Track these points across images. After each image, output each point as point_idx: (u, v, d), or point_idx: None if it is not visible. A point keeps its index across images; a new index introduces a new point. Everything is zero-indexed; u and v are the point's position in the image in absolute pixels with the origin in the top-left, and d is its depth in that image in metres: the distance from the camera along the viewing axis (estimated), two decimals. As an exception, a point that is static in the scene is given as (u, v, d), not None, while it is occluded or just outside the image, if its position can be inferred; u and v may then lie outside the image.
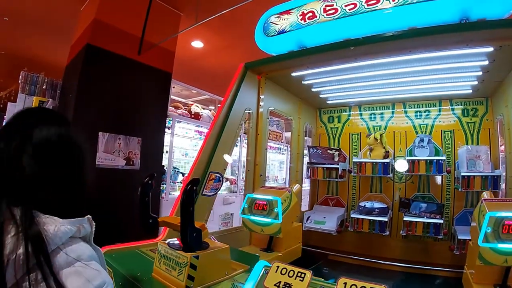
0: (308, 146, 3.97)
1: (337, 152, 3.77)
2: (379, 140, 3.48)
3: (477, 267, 1.76)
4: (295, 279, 1.26)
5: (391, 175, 3.45)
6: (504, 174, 2.95)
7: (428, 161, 3.17)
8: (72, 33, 5.26)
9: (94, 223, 1.05)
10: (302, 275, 1.27)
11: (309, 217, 3.77)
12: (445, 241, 3.22)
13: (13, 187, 0.94)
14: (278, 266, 1.32)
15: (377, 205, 3.44)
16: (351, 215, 3.48)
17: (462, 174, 3.00)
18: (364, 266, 3.42)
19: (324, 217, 3.69)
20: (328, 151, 3.81)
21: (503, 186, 2.98)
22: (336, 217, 3.64)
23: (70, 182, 1.07)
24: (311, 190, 4.29)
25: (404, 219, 3.18)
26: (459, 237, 2.97)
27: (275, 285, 1.27)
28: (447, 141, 3.48)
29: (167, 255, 1.66)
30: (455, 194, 3.34)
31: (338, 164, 3.67)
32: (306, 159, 4.09)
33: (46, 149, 1.02)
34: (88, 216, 1.02)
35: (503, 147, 3.03)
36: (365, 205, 3.46)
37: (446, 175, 3.26)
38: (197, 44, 6.85)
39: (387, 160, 3.39)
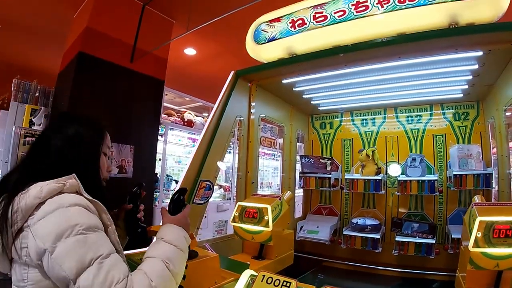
0: (300, 155, 3.97)
1: (329, 161, 3.77)
2: (371, 157, 3.48)
3: (469, 272, 1.75)
4: (281, 288, 1.26)
5: (383, 192, 3.45)
6: (496, 176, 2.97)
7: (420, 181, 3.18)
8: (65, 41, 5.26)
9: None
10: (288, 284, 1.26)
11: (302, 226, 3.77)
12: (439, 245, 3.23)
13: (44, 168, 1.15)
14: (264, 276, 1.31)
15: (369, 222, 3.44)
16: (344, 232, 3.47)
17: (454, 173, 3.02)
18: (358, 271, 3.42)
19: (317, 227, 3.69)
20: (321, 160, 3.82)
21: (495, 188, 2.99)
22: (329, 226, 3.64)
23: (88, 166, 1.26)
24: (304, 199, 4.28)
25: (396, 239, 3.18)
26: (453, 236, 3.00)
27: (261, 294, 1.26)
28: (438, 145, 3.50)
29: (156, 265, 1.65)
30: (448, 194, 3.37)
31: (330, 174, 3.68)
32: (298, 166, 4.09)
33: (72, 142, 1.23)
34: (75, 176, 1.12)
35: (495, 149, 3.05)
36: (357, 222, 3.46)
37: (438, 195, 3.25)
38: (190, 51, 6.86)
39: (379, 177, 3.39)
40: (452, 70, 2.72)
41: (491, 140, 3.19)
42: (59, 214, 1.00)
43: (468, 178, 2.98)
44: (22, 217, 1.01)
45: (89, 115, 1.41)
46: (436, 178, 3.17)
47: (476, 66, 2.59)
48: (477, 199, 2.19)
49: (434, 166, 3.47)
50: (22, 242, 1.01)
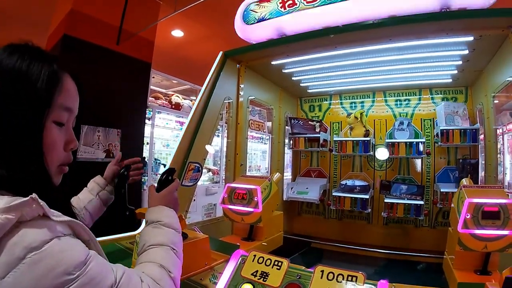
0: (289, 117, 3.97)
1: (318, 123, 3.80)
2: (359, 119, 3.50)
3: (457, 253, 1.78)
4: (272, 267, 1.25)
5: (371, 153, 3.48)
6: (483, 162, 3.01)
7: (408, 143, 3.23)
8: (49, 24, 5.11)
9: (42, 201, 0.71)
10: (279, 264, 1.26)
11: (292, 188, 3.80)
12: (425, 227, 3.28)
13: None
14: (255, 255, 1.31)
15: (358, 183, 3.49)
16: (333, 193, 3.53)
17: (441, 128, 3.06)
18: (347, 253, 3.45)
19: (307, 188, 3.74)
20: (310, 122, 3.84)
21: (482, 173, 3.04)
22: (318, 186, 3.69)
23: (19, 142, 0.77)
24: (293, 162, 4.33)
25: (385, 201, 3.23)
26: (441, 190, 3.08)
27: (252, 274, 1.25)
28: (427, 129, 3.52)
29: (145, 247, 1.63)
30: (435, 152, 3.43)
31: (319, 134, 3.70)
32: (287, 149, 4.11)
33: None
34: (33, 196, 0.69)
35: (482, 136, 3.09)
36: (346, 183, 3.50)
37: (425, 157, 3.31)
38: (177, 33, 6.74)
39: (367, 139, 3.43)
40: (442, 54, 2.71)
41: (479, 126, 3.22)
42: (36, 266, 0.65)
43: (455, 133, 3.03)
44: None
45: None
46: (423, 140, 3.23)
47: (466, 52, 2.58)
48: (465, 181, 2.21)
49: (422, 133, 3.53)
50: None
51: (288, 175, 4.48)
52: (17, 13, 5.75)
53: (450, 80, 3.24)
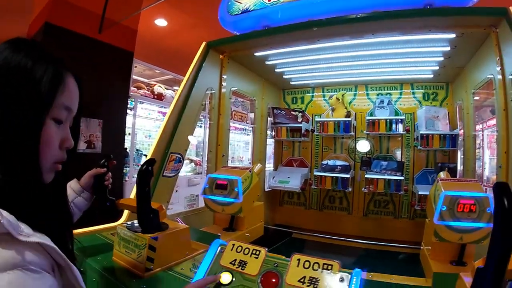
0: (272, 107, 4.00)
1: (300, 113, 3.83)
2: (340, 100, 3.55)
3: (434, 244, 1.82)
4: (250, 256, 1.27)
5: (352, 133, 3.55)
6: (462, 156, 3.09)
7: (388, 120, 3.30)
8: (30, 12, 4.96)
9: (9, 216, 0.62)
10: (257, 252, 1.28)
11: (273, 177, 3.83)
12: (404, 218, 3.35)
13: None
14: (233, 244, 1.32)
15: (339, 162, 3.55)
16: (315, 173, 3.60)
17: (421, 132, 3.13)
18: (327, 243, 3.51)
19: (288, 177, 3.78)
20: (292, 112, 3.87)
21: (460, 168, 3.11)
22: (300, 175, 3.74)
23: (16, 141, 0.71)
24: (275, 152, 4.37)
25: (366, 176, 3.31)
26: (419, 193, 3.14)
27: (230, 263, 1.27)
28: (407, 123, 3.58)
29: (126, 237, 1.64)
30: (415, 155, 3.50)
31: (301, 124, 3.73)
32: (270, 141, 4.13)
33: None
34: None
35: (462, 131, 3.16)
36: (327, 163, 3.57)
37: (405, 134, 3.39)
38: (161, 22, 6.65)
39: (348, 119, 3.49)
40: (424, 50, 2.77)
41: (458, 122, 3.30)
42: None
43: (434, 138, 3.10)
44: None
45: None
46: (403, 117, 3.31)
47: (448, 48, 2.65)
48: (442, 175, 2.26)
49: (402, 146, 3.58)
50: None
51: (270, 166, 4.51)
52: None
53: (432, 76, 3.31)
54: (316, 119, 3.69)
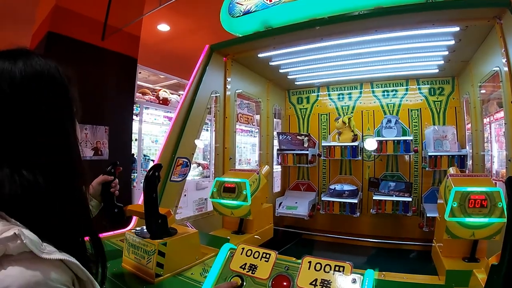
0: (277, 132, 3.97)
1: (306, 138, 3.79)
2: (347, 124, 3.51)
3: (445, 241, 1.80)
4: (260, 260, 1.26)
5: (359, 158, 3.50)
6: (470, 151, 3.05)
7: (396, 141, 3.23)
8: (33, 21, 5.00)
9: (31, 235, 0.64)
10: (268, 256, 1.26)
11: (281, 202, 3.81)
12: (415, 216, 3.31)
13: None
14: (243, 248, 1.31)
15: (347, 187, 3.51)
16: (322, 198, 3.54)
17: (429, 153, 3.08)
18: (337, 243, 3.49)
19: (296, 202, 3.74)
20: (298, 137, 3.83)
21: (469, 162, 3.07)
22: (307, 202, 3.69)
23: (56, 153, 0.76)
24: (282, 175, 4.32)
25: (374, 198, 3.26)
26: (428, 215, 3.08)
27: (240, 267, 1.26)
28: (414, 119, 3.56)
29: (135, 244, 1.63)
30: (423, 173, 3.45)
31: (307, 150, 3.69)
32: (276, 142, 4.10)
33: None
34: (16, 231, 0.62)
35: (469, 125, 3.12)
36: (335, 187, 3.52)
37: (413, 154, 3.33)
38: (163, 27, 6.67)
39: (355, 144, 3.44)
40: (428, 45, 2.73)
41: (465, 116, 3.25)
42: None
43: (443, 159, 3.05)
44: None
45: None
46: (411, 138, 3.24)
47: (453, 42, 2.61)
48: (452, 170, 2.24)
49: (410, 130, 3.54)
50: None
51: (278, 167, 4.49)
52: (2, 10, 5.63)
53: (437, 71, 3.27)
54: (323, 144, 3.64)
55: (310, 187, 4.06)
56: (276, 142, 4.08)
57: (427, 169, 3.13)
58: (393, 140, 3.24)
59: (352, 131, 3.53)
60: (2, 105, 0.71)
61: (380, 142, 3.29)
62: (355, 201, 3.35)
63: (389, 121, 3.36)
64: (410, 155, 3.44)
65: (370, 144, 3.42)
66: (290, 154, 3.77)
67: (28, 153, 0.72)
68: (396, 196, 3.20)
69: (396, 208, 3.19)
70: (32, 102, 0.74)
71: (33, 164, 0.71)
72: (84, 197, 0.84)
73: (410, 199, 3.15)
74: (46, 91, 0.78)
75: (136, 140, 5.46)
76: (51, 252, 0.65)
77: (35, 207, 0.69)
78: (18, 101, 0.72)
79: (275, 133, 4.11)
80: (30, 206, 0.68)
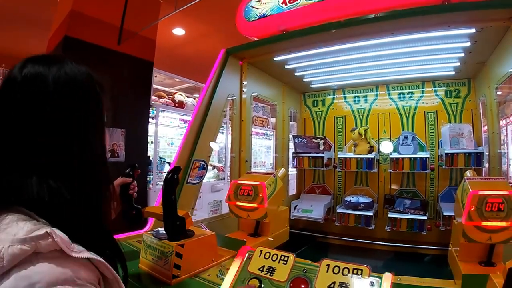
0: (293, 135, 3.96)
1: (322, 141, 3.77)
2: (363, 136, 3.48)
3: (462, 245, 1.78)
4: (279, 262, 1.27)
5: (375, 170, 3.46)
6: (487, 153, 3.00)
7: (412, 158, 3.20)
8: (50, 26, 5.12)
9: (62, 234, 0.67)
10: (286, 259, 1.27)
11: (296, 206, 3.80)
12: (431, 219, 3.27)
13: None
14: (261, 251, 1.32)
15: (362, 199, 3.48)
16: (337, 210, 3.51)
17: (446, 151, 3.03)
18: (353, 246, 3.47)
19: (311, 206, 3.72)
20: (313, 140, 3.81)
21: (486, 165, 3.02)
22: (323, 205, 3.67)
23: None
24: (297, 178, 4.30)
25: (389, 215, 3.22)
26: (444, 214, 3.04)
27: (258, 269, 1.27)
28: (430, 122, 3.51)
29: (153, 245, 1.65)
30: (439, 172, 3.39)
31: (323, 153, 3.68)
32: (292, 145, 4.09)
33: (29, 97, 0.75)
34: (48, 230, 0.64)
35: (485, 127, 3.07)
36: (350, 200, 3.49)
37: (429, 172, 3.27)
38: (179, 31, 6.75)
39: (371, 156, 3.40)
40: (444, 47, 2.70)
41: (482, 118, 3.20)
42: None
43: (459, 156, 3.00)
44: None
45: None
46: (427, 155, 3.19)
47: (468, 44, 2.57)
48: (469, 174, 2.21)
49: (426, 143, 3.49)
50: None
51: (293, 170, 4.48)
52: (16, 13, 5.77)
53: (453, 73, 3.23)
54: (339, 155, 3.62)
55: (326, 190, 4.04)
56: (291, 145, 4.08)
57: (443, 167, 3.09)
58: (410, 158, 3.21)
59: (368, 142, 3.50)
60: (34, 108, 0.74)
61: (396, 159, 3.26)
62: (371, 213, 3.32)
63: (406, 137, 3.31)
64: (426, 173, 3.37)
65: (386, 147, 3.39)
66: (305, 157, 3.76)
67: (55, 157, 0.75)
68: (411, 214, 3.16)
69: (411, 226, 3.15)
70: (63, 107, 0.77)
71: (59, 169, 0.75)
72: (108, 201, 0.88)
73: (425, 218, 3.10)
74: (77, 97, 0.81)
75: (152, 142, 5.54)
76: (80, 251, 0.68)
77: (62, 212, 0.71)
78: (49, 105, 0.75)
79: (290, 136, 4.11)
80: (57, 210, 0.71)
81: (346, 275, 1.14)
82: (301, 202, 3.91)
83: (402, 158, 3.23)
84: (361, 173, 3.79)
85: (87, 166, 0.81)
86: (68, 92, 0.79)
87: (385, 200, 3.38)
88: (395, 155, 3.29)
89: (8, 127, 0.73)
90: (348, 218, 3.41)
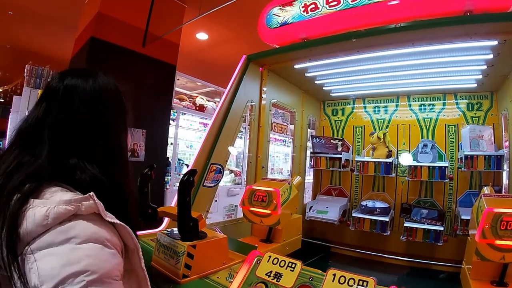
0: (311, 135, 3.96)
1: (340, 142, 3.76)
2: (382, 139, 3.45)
3: (475, 263, 1.75)
4: (286, 269, 1.28)
5: (393, 175, 3.43)
6: (507, 170, 2.92)
7: (431, 167, 3.15)
8: (77, 27, 5.28)
9: (99, 202, 0.83)
10: (293, 265, 1.28)
11: (311, 207, 3.78)
12: (446, 235, 3.20)
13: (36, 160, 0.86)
14: (270, 256, 1.33)
15: (378, 204, 3.44)
16: (353, 214, 3.48)
17: (465, 153, 2.97)
18: (366, 259, 3.43)
19: (327, 207, 3.70)
20: (332, 141, 3.80)
21: (506, 182, 2.95)
22: (338, 207, 3.64)
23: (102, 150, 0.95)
24: (314, 180, 4.29)
25: (405, 225, 3.17)
26: (462, 217, 2.97)
27: (266, 274, 1.28)
28: (451, 135, 3.44)
29: (166, 244, 1.69)
30: (459, 175, 3.32)
31: (341, 154, 3.66)
32: (309, 152, 4.08)
33: (70, 103, 0.93)
34: (91, 194, 0.82)
35: (507, 142, 3.00)
36: (366, 204, 3.45)
37: (448, 181, 3.22)
38: (202, 36, 6.85)
39: (389, 160, 3.37)
40: (466, 59, 2.66)
41: (504, 133, 3.13)
42: (65, 252, 0.75)
43: (479, 159, 2.93)
44: (23, 241, 0.77)
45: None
46: (447, 164, 3.13)
47: (491, 56, 2.52)
48: (486, 190, 2.17)
49: (446, 154, 3.43)
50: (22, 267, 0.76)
51: (310, 178, 4.47)
52: (46, 13, 5.98)
53: (475, 85, 3.16)
54: (356, 159, 3.61)
55: (342, 192, 4.02)
56: (309, 152, 4.07)
57: (462, 169, 3.03)
58: (428, 166, 3.16)
59: (387, 146, 3.47)
60: (74, 113, 0.93)
61: (414, 168, 3.21)
62: (386, 219, 3.27)
63: (425, 145, 3.26)
64: (444, 182, 3.31)
65: (405, 159, 3.34)
66: (323, 157, 3.75)
67: (91, 150, 0.92)
68: (427, 224, 3.10)
69: (427, 236, 3.08)
70: (98, 112, 0.97)
71: (96, 160, 0.92)
72: (132, 186, 1.05)
73: (442, 228, 3.03)
74: (108, 104, 1.01)
75: (171, 144, 5.62)
76: (112, 218, 0.85)
77: (98, 190, 0.85)
78: (86, 110, 0.94)
79: (309, 143, 4.10)
80: (94, 189, 0.85)
81: (352, 286, 1.14)
82: (316, 203, 3.90)
83: (421, 166, 3.18)
84: (379, 179, 3.76)
85: (116, 156, 0.99)
86: (101, 100, 0.98)
87: (401, 209, 3.33)
88: (413, 163, 3.24)
89: (54, 128, 0.90)
90: (363, 222, 3.37)
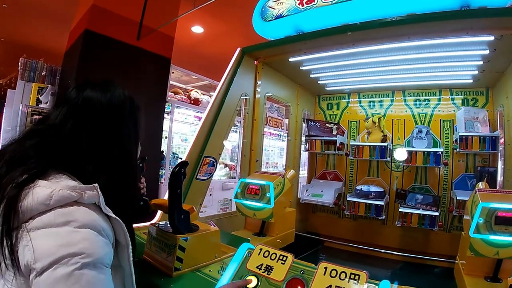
0: (306, 119, 3.96)
1: (335, 126, 3.77)
2: (377, 124, 3.46)
3: (468, 259, 1.75)
4: (277, 262, 1.27)
5: (388, 159, 3.43)
6: (502, 166, 2.93)
7: (426, 152, 3.15)
8: (71, 19, 5.22)
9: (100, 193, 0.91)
10: (284, 258, 1.27)
11: (307, 190, 3.78)
12: (441, 230, 3.21)
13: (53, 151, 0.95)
14: (261, 249, 1.32)
15: (373, 188, 3.45)
16: (348, 198, 3.49)
17: (460, 134, 2.99)
18: (360, 253, 3.43)
19: (322, 190, 3.72)
20: (327, 124, 3.81)
21: (500, 179, 2.96)
22: (333, 190, 3.67)
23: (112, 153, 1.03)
24: (309, 164, 4.31)
25: (400, 210, 3.18)
26: (458, 198, 3.00)
27: (257, 267, 1.27)
28: (446, 130, 3.45)
29: (157, 237, 1.67)
30: (454, 158, 3.35)
31: (336, 137, 3.67)
32: (303, 147, 4.08)
33: (88, 113, 1.02)
34: (95, 185, 0.90)
35: (502, 139, 3.00)
36: (361, 188, 3.47)
37: (443, 167, 3.23)
38: (197, 29, 6.80)
39: (384, 144, 3.38)
40: (462, 54, 2.65)
41: (499, 129, 3.14)
42: (63, 234, 0.81)
43: (474, 140, 2.96)
44: (21, 218, 0.82)
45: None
46: (441, 150, 3.15)
47: (487, 52, 2.52)
48: (481, 185, 2.17)
49: (441, 141, 3.45)
50: (16, 243, 0.81)
51: (304, 173, 4.47)
52: (40, 6, 5.91)
53: (471, 81, 3.17)
54: (351, 143, 3.61)
55: (337, 176, 4.02)
56: (303, 147, 4.07)
57: (457, 150, 3.05)
58: (423, 152, 3.16)
59: (382, 131, 3.47)
60: (90, 124, 1.00)
61: (409, 153, 3.21)
62: (381, 203, 3.28)
63: (420, 131, 3.27)
64: (440, 168, 3.32)
65: (400, 154, 3.34)
66: (318, 140, 3.77)
67: (103, 159, 1.00)
68: (423, 209, 3.11)
69: (422, 222, 3.10)
70: (112, 124, 1.05)
71: (106, 168, 1.00)
72: (138, 190, 1.24)
73: (437, 214, 3.05)
74: (124, 116, 1.09)
75: (166, 137, 5.58)
76: (110, 211, 0.93)
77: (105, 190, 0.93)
78: (103, 121, 1.03)
79: (303, 119, 4.09)
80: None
81: (343, 279, 1.13)
82: (312, 186, 3.90)
83: (416, 151, 3.19)
84: (374, 165, 3.77)
85: (125, 164, 1.07)
86: (116, 113, 1.06)
87: (396, 194, 3.34)
88: (408, 149, 3.25)
89: (73, 135, 0.97)
90: (358, 206, 3.39)
